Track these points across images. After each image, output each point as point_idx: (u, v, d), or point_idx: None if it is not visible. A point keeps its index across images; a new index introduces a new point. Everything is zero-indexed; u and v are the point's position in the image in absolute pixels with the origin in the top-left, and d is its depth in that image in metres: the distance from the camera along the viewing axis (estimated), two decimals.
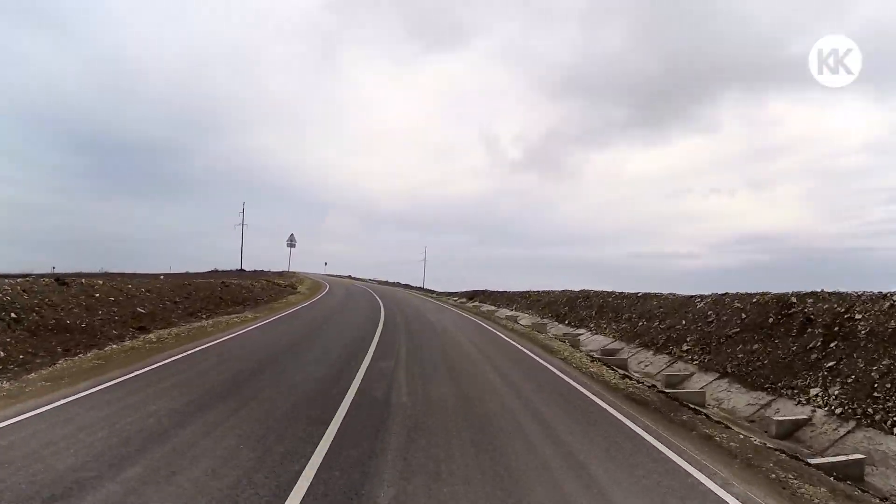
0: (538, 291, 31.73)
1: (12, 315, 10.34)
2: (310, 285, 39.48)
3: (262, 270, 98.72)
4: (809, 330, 12.34)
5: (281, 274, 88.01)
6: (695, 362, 15.10)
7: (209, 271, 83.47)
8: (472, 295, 39.26)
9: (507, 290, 39.29)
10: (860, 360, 10.14)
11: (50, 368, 8.30)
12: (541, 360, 12.03)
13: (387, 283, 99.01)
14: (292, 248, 34.79)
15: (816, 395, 10.20)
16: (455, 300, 38.82)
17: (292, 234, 34.72)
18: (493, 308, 32.64)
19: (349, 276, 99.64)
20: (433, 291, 69.75)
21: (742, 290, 16.78)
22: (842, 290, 12.93)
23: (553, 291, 30.10)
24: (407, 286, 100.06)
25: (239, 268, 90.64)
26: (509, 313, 29.64)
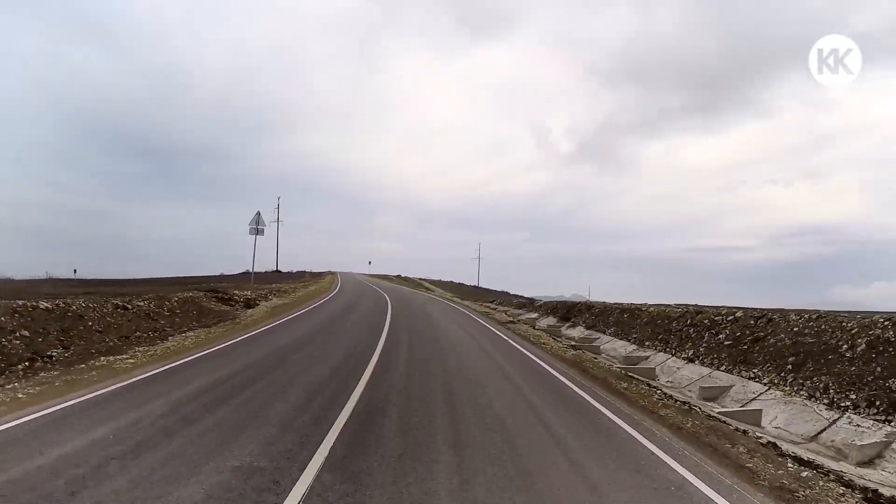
0: (734, 313, 13.87)
1: None
2: (302, 295, 23.62)
3: (303, 271, 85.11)
4: None
5: (319, 275, 74.17)
6: None
7: (241, 273, 70.42)
8: (566, 312, 21.72)
9: (623, 302, 21.56)
10: None
11: None
12: None
13: (439, 281, 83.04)
14: (258, 236, 17.92)
15: None
16: (538, 321, 21.49)
17: (258, 214, 18.20)
18: (633, 350, 15.09)
19: (398, 276, 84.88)
20: (491, 295, 52.75)
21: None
22: None
23: (787, 316, 12.19)
24: (460, 285, 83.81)
25: (275, 268, 78.01)
26: (693, 374, 12.01)
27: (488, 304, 32.99)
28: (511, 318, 18.64)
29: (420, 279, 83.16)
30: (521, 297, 69.07)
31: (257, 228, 19.64)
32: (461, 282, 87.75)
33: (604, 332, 17.63)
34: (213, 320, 14.69)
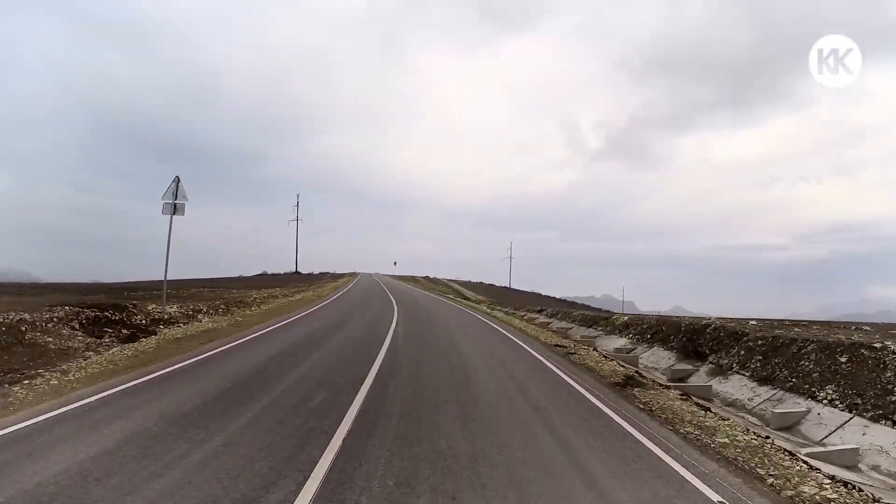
0: None
1: None
2: (269, 310, 15.44)
3: (326, 272, 79.11)
4: None
5: (339, 276, 67.80)
6: None
7: (257, 275, 64.62)
8: (689, 342, 12.56)
9: (782, 321, 12.75)
10: None
11: None
12: None
13: (468, 283, 74.28)
14: (174, 216, 9.66)
15: None
16: (640, 357, 12.54)
17: (176, 183, 9.65)
18: None
19: (426, 277, 77.03)
20: (526, 299, 43.61)
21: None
22: None
23: None
24: (490, 286, 75.08)
25: (294, 269, 71.19)
26: None
27: (537, 316, 24.05)
28: (625, 370, 9.48)
29: (449, 280, 74.55)
30: (553, 298, 59.61)
31: (174, 205, 11.61)
32: (491, 282, 79.52)
33: (812, 397, 8.51)
34: None
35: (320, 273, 69.37)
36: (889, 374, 8.21)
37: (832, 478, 4.54)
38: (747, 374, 10.13)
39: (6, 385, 6.38)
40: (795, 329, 11.99)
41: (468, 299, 43.13)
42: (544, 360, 9.52)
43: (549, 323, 22.11)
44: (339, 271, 73.00)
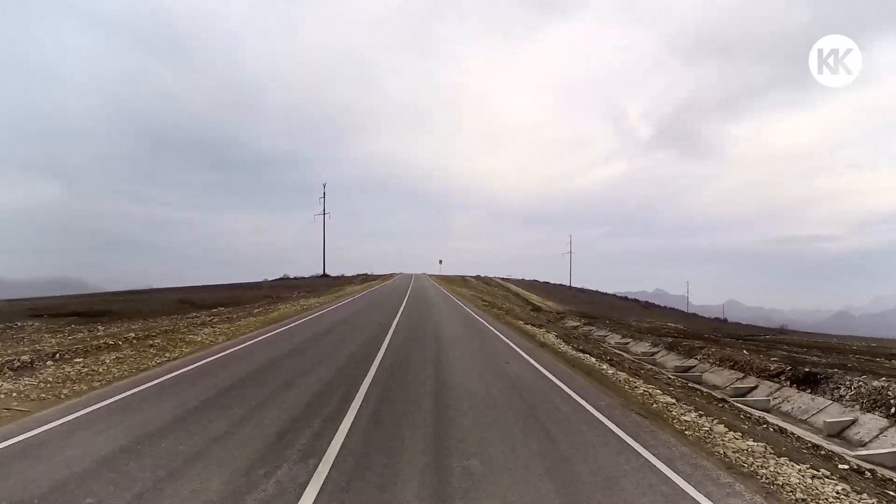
0: None
1: None
2: None
3: (360, 274, 69.45)
4: None
5: (371, 278, 58.40)
6: None
7: (278, 279, 55.18)
8: None
9: None
10: None
11: None
12: None
13: (522, 281, 62.15)
14: None
15: None
16: None
17: None
18: None
19: (476, 277, 65.51)
20: (606, 305, 29.26)
21: None
22: None
23: None
24: (545, 284, 63.68)
25: (322, 272, 61.24)
26: None
27: None
28: None
29: (502, 279, 62.25)
30: (613, 296, 46.23)
31: None
32: (546, 280, 67.06)
33: None
34: None
35: (353, 275, 59.49)
36: None
37: None
38: None
39: None
40: None
41: (539, 309, 30.33)
42: None
43: None
44: (379, 272, 62.85)
